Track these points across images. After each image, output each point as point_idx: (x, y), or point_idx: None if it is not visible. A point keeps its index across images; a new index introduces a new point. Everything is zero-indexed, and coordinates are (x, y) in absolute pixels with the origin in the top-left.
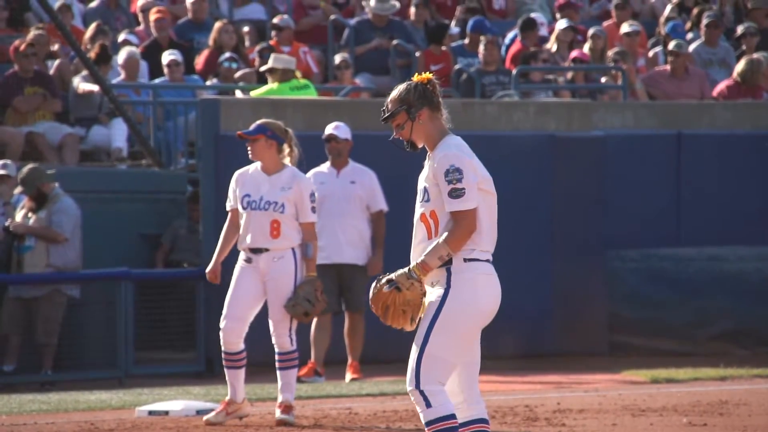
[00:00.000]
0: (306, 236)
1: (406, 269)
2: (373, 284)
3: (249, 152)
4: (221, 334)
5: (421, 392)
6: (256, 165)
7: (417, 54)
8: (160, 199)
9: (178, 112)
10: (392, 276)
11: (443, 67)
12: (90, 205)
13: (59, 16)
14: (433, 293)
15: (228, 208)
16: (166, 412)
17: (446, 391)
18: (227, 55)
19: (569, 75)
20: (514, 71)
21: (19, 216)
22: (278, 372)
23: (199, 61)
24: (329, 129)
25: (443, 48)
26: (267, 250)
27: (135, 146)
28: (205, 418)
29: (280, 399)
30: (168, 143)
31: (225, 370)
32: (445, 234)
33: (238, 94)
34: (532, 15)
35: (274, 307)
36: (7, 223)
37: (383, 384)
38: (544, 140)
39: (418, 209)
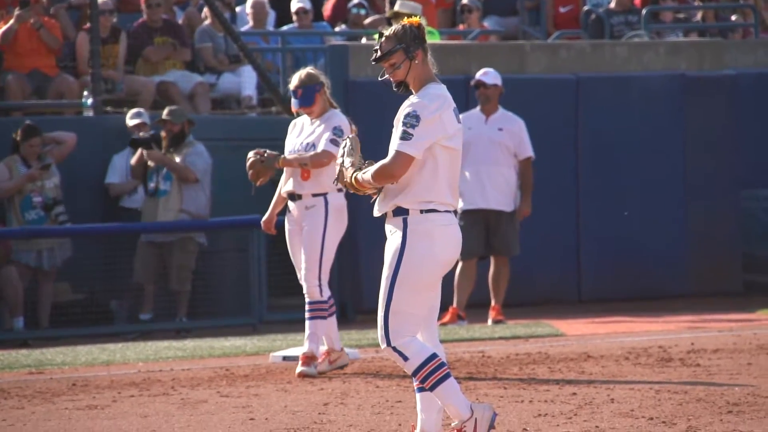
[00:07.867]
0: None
1: (355, 171)
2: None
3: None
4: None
5: (394, 348)
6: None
7: None
8: None
9: (307, 59)
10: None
11: (572, 8)
12: (221, 153)
13: None
14: (391, 243)
15: None
16: None
17: (417, 337)
18: (355, 1)
19: (699, 14)
20: (643, 11)
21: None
22: (306, 321)
23: (327, 7)
24: (478, 75)
25: None
26: (300, 197)
27: (264, 94)
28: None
29: (304, 349)
30: None
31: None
32: (375, 167)
33: (366, 40)
34: None
35: (303, 256)
36: (141, 134)
37: (517, 327)
38: (675, 80)
39: (391, 148)
